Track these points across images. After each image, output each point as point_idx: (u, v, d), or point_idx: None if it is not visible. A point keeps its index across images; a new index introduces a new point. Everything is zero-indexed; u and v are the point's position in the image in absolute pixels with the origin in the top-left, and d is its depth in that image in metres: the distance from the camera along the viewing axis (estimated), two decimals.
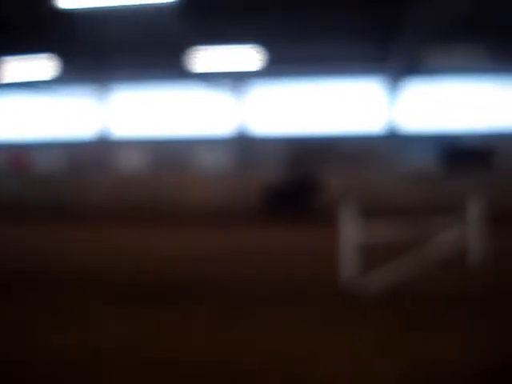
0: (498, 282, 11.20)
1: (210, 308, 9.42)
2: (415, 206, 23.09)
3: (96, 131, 26.61)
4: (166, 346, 7.30)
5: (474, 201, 12.12)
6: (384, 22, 16.59)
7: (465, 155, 23.62)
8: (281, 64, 21.29)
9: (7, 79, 22.45)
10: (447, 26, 11.16)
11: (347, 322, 8.60)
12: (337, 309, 9.36)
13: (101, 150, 25.55)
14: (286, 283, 11.44)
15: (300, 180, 20.62)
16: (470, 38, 13.87)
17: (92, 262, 14.22)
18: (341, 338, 7.79)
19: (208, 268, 13.17)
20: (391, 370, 6.59)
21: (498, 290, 10.54)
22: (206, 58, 17.34)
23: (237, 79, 22.69)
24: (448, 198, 23.17)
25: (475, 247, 12.19)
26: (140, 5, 13.80)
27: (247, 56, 15.20)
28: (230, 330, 8.08)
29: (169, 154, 24.90)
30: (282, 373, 6.44)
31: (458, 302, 9.76)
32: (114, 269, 13.30)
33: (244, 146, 24.68)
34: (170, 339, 7.65)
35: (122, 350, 7.12)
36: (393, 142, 23.81)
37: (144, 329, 8.15)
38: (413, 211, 21.95)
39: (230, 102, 23.85)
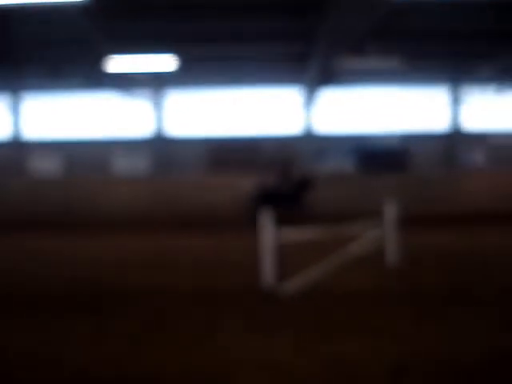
0: (414, 282, 11.54)
1: (130, 318, 9.28)
2: (333, 208, 23.66)
3: (9, 135, 25.63)
4: (76, 359, 7.13)
5: (389, 202, 12.42)
6: (301, 29, 16.85)
7: (379, 157, 24.38)
8: (198, 68, 21.27)
9: None
10: (361, 35, 11.42)
11: (267, 325, 8.64)
12: (258, 312, 9.38)
13: (14, 154, 24.64)
14: (208, 289, 11.34)
15: (296, 180, 21.66)
16: (383, 47, 14.29)
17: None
18: (261, 341, 7.82)
19: (130, 275, 12.98)
20: (308, 370, 6.80)
21: (413, 289, 10.87)
22: (121, 62, 17.01)
23: (153, 83, 22.44)
24: (364, 199, 23.84)
25: (392, 247, 12.47)
26: (52, 4, 13.27)
27: (163, 61, 15.07)
28: (151, 342, 7.90)
29: (85, 158, 24.30)
30: (204, 379, 6.50)
31: (376, 301, 10.01)
32: (25, 277, 12.79)
33: (162, 148, 24.45)
34: (84, 351, 7.47)
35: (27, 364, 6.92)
36: (310, 144, 24.23)
37: (54, 340, 7.91)
38: (331, 213, 22.93)
39: (146, 105, 23.58)
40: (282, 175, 22.27)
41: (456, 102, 24.70)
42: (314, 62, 18.90)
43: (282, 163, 22.64)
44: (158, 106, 24.40)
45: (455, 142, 24.60)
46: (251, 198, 22.17)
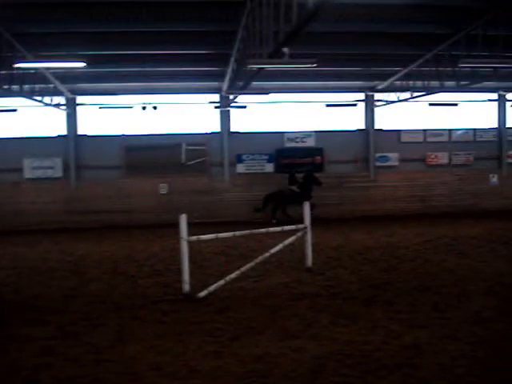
0: (330, 283, 11.87)
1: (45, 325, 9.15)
2: (251, 210, 23.92)
3: None
4: None
5: (306, 207, 12.74)
6: (218, 32, 16.97)
7: (296, 157, 24.89)
8: (113, 70, 21.00)
9: None
10: (278, 38, 11.64)
11: (185, 329, 8.71)
12: (175, 316, 9.43)
13: None
14: (124, 294, 11.29)
15: (305, 177, 23.98)
16: (300, 50, 14.62)
17: None
18: (175, 346, 7.93)
19: (51, 281, 12.72)
20: (226, 373, 7.02)
21: (330, 290, 11.19)
22: (30, 65, 16.57)
23: (64, 85, 21.93)
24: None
25: (309, 251, 12.80)
26: None
27: (74, 63, 14.82)
28: (64, 353, 7.80)
29: None
30: None
31: (294, 302, 10.25)
32: None
33: (75, 148, 23.94)
34: None
35: None
36: (228, 143, 24.40)
37: None
38: (249, 215, 23.22)
39: (58, 107, 23.02)
40: (290, 180, 24.18)
41: (371, 102, 25.49)
42: (231, 65, 19.07)
43: (289, 170, 24.59)
44: (70, 107, 23.86)
45: (370, 140, 25.39)
46: (267, 198, 23.76)
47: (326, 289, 11.41)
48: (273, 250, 12.26)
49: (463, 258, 14.62)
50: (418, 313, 9.54)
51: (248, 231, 12.30)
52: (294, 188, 24.07)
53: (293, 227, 12.82)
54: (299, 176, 24.29)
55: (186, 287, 10.73)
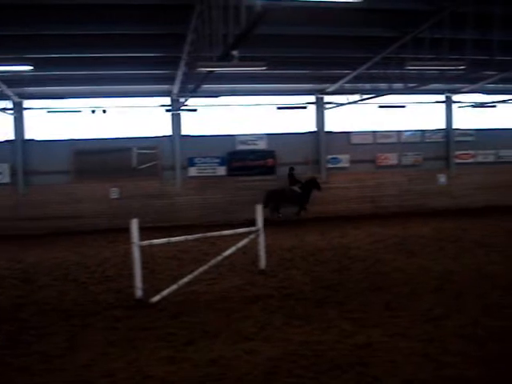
0: (283, 284, 11.92)
1: None
2: (204, 215, 23.85)
3: None
4: None
5: (259, 209, 12.76)
6: (168, 35, 16.87)
7: (248, 160, 24.93)
8: (62, 73, 20.62)
9: None
10: (228, 41, 11.64)
11: (136, 336, 8.63)
12: (127, 323, 9.34)
13: None
14: (74, 301, 11.10)
15: (305, 181, 24.39)
16: (249, 52, 14.68)
17: None
18: (129, 353, 7.86)
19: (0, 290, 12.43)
20: (179, 379, 6.97)
21: (283, 291, 11.23)
22: None
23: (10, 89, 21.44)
24: (235, 203, 24.22)
25: (262, 253, 12.83)
26: None
27: (23, 70, 14.49)
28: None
29: None
30: None
31: (248, 304, 10.26)
32: None
33: (24, 153, 23.42)
34: None
35: None
36: (180, 146, 24.26)
37: None
38: (202, 220, 23.14)
39: (6, 117, 22.56)
40: (290, 179, 24.54)
41: (321, 105, 25.73)
42: (181, 68, 18.96)
43: (289, 169, 24.80)
44: (17, 112, 23.33)
45: (321, 142, 25.62)
46: (268, 197, 23.76)
47: (279, 290, 11.46)
48: (226, 253, 12.25)
49: (413, 256, 14.89)
50: (370, 312, 9.67)
51: (200, 235, 12.26)
52: (296, 188, 24.40)
53: (245, 230, 12.83)
54: (299, 176, 24.64)
55: (139, 293, 10.63)
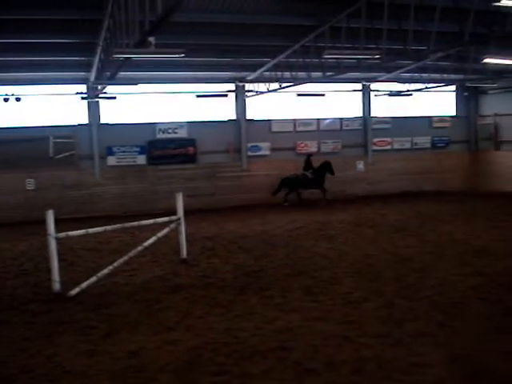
0: (205, 273, 11.91)
1: None
2: (124, 205, 23.46)
3: None
4: None
5: (179, 198, 12.65)
6: (84, 21, 16.42)
7: (168, 148, 24.71)
8: None
9: None
10: (142, 30, 11.45)
11: (53, 329, 8.46)
12: (44, 316, 9.14)
13: None
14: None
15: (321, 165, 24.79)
16: (166, 39, 14.49)
17: None
18: (44, 347, 7.71)
19: None
20: (98, 371, 6.89)
21: (205, 280, 11.24)
22: None
23: None
24: (156, 192, 23.98)
25: (183, 242, 12.76)
26: None
27: None
28: None
29: None
30: None
31: (169, 294, 10.21)
32: None
33: None
34: None
35: None
36: (98, 135, 23.73)
37: None
38: (123, 210, 22.76)
39: None
40: (306, 164, 24.89)
41: (241, 93, 25.76)
42: (97, 54, 18.50)
43: (307, 155, 25.36)
44: None
45: (242, 130, 25.67)
46: (282, 182, 24.44)
47: (200, 279, 11.46)
48: (146, 243, 12.11)
49: (333, 242, 15.21)
50: (291, 297, 9.83)
51: (120, 225, 12.05)
52: (308, 174, 24.70)
53: (166, 219, 12.72)
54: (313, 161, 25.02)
55: (57, 286, 10.37)
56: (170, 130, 24.99)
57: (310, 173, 24.80)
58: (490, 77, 24.48)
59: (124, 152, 24.40)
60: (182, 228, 12.68)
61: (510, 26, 13.61)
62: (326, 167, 24.74)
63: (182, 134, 25.17)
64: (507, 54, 18.20)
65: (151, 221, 12.62)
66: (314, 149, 26.95)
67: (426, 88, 26.45)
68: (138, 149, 24.53)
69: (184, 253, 12.97)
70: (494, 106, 28.95)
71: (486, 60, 18.52)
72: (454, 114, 29.94)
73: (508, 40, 17.72)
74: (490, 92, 28.95)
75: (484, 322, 8.27)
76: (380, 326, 8.19)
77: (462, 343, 7.44)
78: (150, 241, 12.15)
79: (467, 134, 30.14)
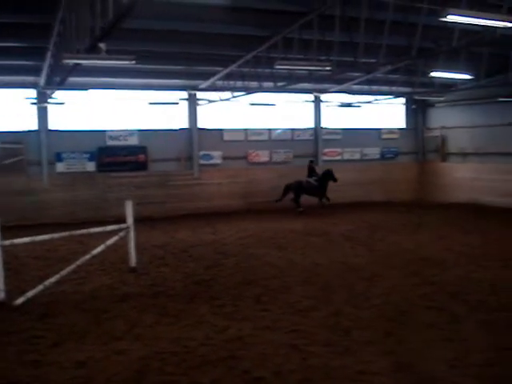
0: (155, 282, 11.81)
1: None
2: (74, 212, 23.05)
3: None
4: None
5: (128, 203, 12.52)
6: (35, 25, 16.16)
7: (119, 156, 24.43)
8: None
9: None
10: (95, 33, 11.34)
11: (1, 341, 8.28)
12: None
13: None
14: None
15: (324, 173, 24.93)
16: (117, 46, 14.38)
17: None
18: None
19: None
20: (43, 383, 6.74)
21: (155, 289, 11.15)
22: None
23: None
24: (105, 200, 23.65)
25: (133, 251, 12.62)
26: None
27: None
28: None
29: None
30: None
31: (118, 303, 10.08)
32: None
33: None
34: None
35: None
36: (46, 141, 23.29)
37: None
38: (72, 217, 22.36)
39: None
40: (309, 170, 25.12)
41: (193, 101, 25.72)
42: (47, 59, 18.21)
43: (309, 161, 25.72)
44: None
45: (194, 138, 25.60)
46: (286, 188, 24.75)
47: (150, 288, 11.36)
48: (95, 252, 11.94)
49: (283, 251, 15.30)
50: (241, 306, 9.84)
51: (68, 233, 11.84)
52: (312, 181, 24.84)
53: (115, 227, 12.57)
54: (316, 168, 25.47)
55: (1, 295, 10.12)
56: (120, 137, 24.74)
57: (314, 180, 24.99)
58: (437, 90, 25.14)
59: (73, 158, 24.02)
60: (132, 236, 12.54)
61: (456, 40, 13.98)
62: (329, 175, 24.89)
63: (133, 141, 24.96)
64: (453, 68, 18.73)
65: (100, 229, 12.45)
66: (265, 158, 27.14)
67: (376, 100, 26.99)
68: (87, 155, 24.19)
69: (133, 261, 12.83)
70: (441, 118, 29.76)
71: (434, 74, 19.00)
72: (402, 126, 30.63)
73: (454, 54, 18.27)
74: (438, 105, 29.72)
75: (430, 330, 8.45)
76: (328, 334, 8.28)
77: (408, 351, 7.58)
78: (99, 249, 11.98)
79: (415, 145, 30.88)
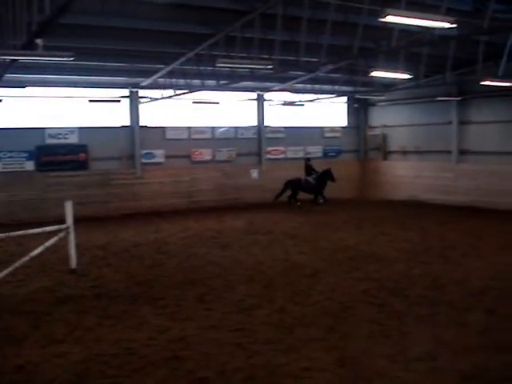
0: (97, 283, 11.64)
1: None
2: (11, 213, 22.45)
3: None
4: None
5: (68, 203, 12.27)
6: None
7: (58, 154, 23.91)
8: None
9: None
10: (30, 32, 11.07)
11: None
12: None
13: None
14: None
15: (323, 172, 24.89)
16: (54, 42, 14.07)
17: None
18: None
19: None
20: None
21: (96, 290, 10.98)
22: None
23: None
24: (45, 199, 23.11)
25: (73, 252, 12.38)
26: None
27: None
28: None
29: None
30: None
31: (58, 305, 9.88)
32: None
33: None
34: None
35: None
36: None
37: None
38: (10, 218, 21.76)
39: None
40: (307, 169, 25.03)
41: (135, 99, 25.40)
42: None
43: (305, 160, 25.73)
44: None
45: (136, 137, 25.30)
46: (286, 185, 24.97)
47: (90, 290, 11.17)
48: (33, 253, 11.66)
49: (227, 249, 15.28)
50: (184, 306, 9.79)
51: (5, 234, 11.52)
52: (311, 179, 24.82)
53: (55, 228, 12.30)
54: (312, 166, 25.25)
55: None
56: (60, 136, 24.20)
57: (313, 178, 25.01)
58: (377, 89, 25.58)
59: (11, 158, 23.36)
60: (72, 237, 12.30)
61: (395, 41, 14.24)
62: (328, 174, 24.91)
63: (73, 139, 24.45)
64: (393, 68, 19.10)
65: (39, 229, 12.16)
66: (208, 157, 27.06)
67: (318, 99, 27.27)
68: (25, 154, 23.56)
69: (73, 263, 12.58)
70: (382, 117, 30.31)
71: (374, 73, 19.32)
72: (344, 124, 31.05)
73: (394, 54, 18.62)
74: (379, 104, 30.25)
75: (371, 325, 8.59)
76: (272, 332, 8.32)
77: (352, 347, 7.69)
78: (38, 250, 11.71)
79: (357, 143, 31.36)
